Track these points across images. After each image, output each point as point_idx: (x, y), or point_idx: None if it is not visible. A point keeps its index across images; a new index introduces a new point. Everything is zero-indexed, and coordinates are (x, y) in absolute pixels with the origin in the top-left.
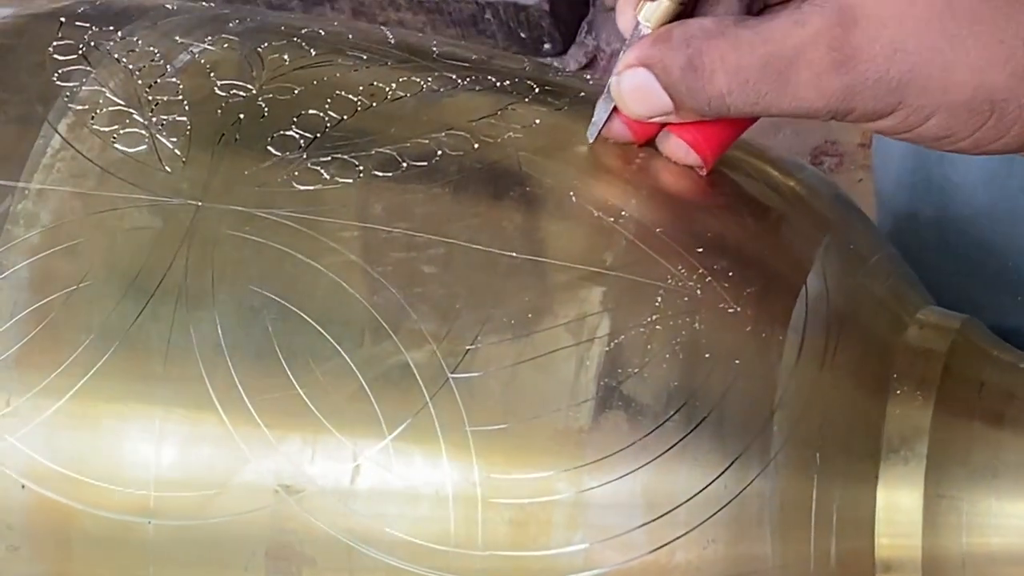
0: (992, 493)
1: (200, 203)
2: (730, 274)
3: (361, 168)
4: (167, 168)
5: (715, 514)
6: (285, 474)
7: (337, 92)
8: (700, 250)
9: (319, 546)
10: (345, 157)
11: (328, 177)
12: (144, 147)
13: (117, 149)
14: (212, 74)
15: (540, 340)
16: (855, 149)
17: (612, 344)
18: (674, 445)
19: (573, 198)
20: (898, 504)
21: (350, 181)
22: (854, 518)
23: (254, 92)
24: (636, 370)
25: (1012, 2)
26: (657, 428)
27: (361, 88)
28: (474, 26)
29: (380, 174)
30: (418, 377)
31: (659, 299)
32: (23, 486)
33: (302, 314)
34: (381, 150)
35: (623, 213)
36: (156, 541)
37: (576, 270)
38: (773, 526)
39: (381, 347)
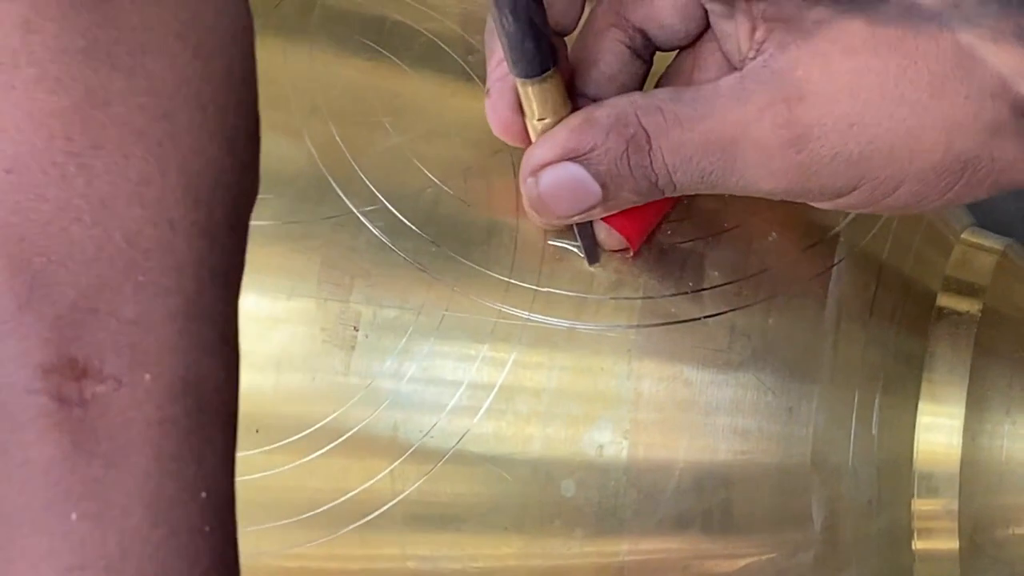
0: None
1: None
2: None
3: None
4: None
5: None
6: (363, 195)
7: None
8: None
9: (376, 258)
10: None
11: None
12: None
13: None
14: None
15: None
16: None
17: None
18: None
19: None
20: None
21: None
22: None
23: None
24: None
25: (965, 57)
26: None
27: None
28: None
29: None
30: None
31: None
32: None
33: (394, 59)
34: None
35: None
36: None
37: None
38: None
39: (471, 103)
